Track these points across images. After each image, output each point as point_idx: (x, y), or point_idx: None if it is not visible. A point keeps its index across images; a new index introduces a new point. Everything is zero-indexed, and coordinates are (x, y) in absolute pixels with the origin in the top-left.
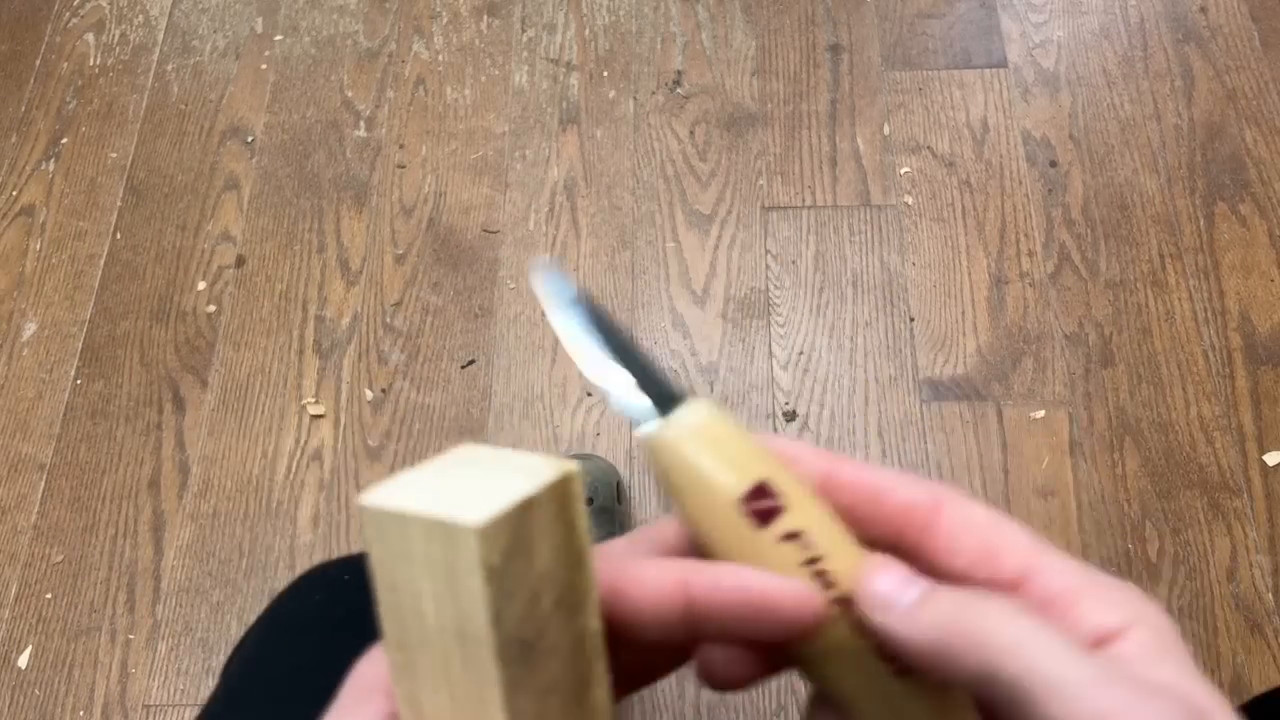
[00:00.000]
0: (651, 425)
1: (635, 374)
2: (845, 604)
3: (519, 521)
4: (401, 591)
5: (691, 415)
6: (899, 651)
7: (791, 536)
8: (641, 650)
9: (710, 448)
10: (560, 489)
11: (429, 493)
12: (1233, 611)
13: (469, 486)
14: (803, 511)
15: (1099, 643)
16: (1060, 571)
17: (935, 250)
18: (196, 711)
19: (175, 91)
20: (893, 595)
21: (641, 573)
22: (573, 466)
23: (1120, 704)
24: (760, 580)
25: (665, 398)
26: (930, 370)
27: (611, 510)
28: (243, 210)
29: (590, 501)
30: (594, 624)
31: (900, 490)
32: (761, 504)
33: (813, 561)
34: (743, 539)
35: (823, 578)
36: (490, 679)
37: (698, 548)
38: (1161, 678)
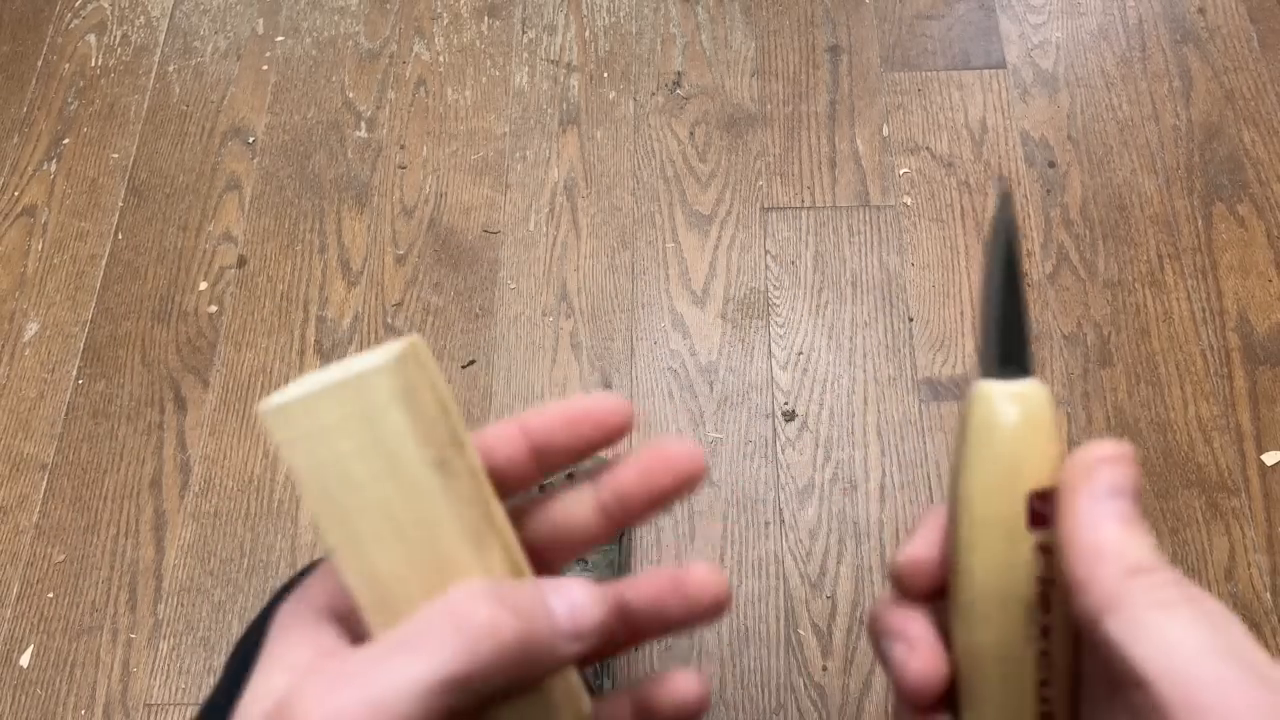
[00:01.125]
0: (992, 383)
1: (1006, 324)
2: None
3: (404, 369)
4: (326, 468)
5: (1031, 393)
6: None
7: (1045, 550)
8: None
9: (1034, 433)
10: (414, 352)
11: (318, 383)
12: (1231, 611)
13: (343, 370)
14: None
15: None
16: None
17: (934, 250)
18: (198, 711)
19: (177, 92)
20: None
21: (489, 430)
22: (414, 336)
23: None
24: (577, 398)
25: (1015, 360)
26: (929, 370)
27: None
28: (244, 211)
29: None
30: (476, 460)
31: None
32: (1044, 507)
33: (1045, 582)
34: (1003, 524)
35: (1044, 600)
36: (432, 489)
37: (949, 508)
38: None
